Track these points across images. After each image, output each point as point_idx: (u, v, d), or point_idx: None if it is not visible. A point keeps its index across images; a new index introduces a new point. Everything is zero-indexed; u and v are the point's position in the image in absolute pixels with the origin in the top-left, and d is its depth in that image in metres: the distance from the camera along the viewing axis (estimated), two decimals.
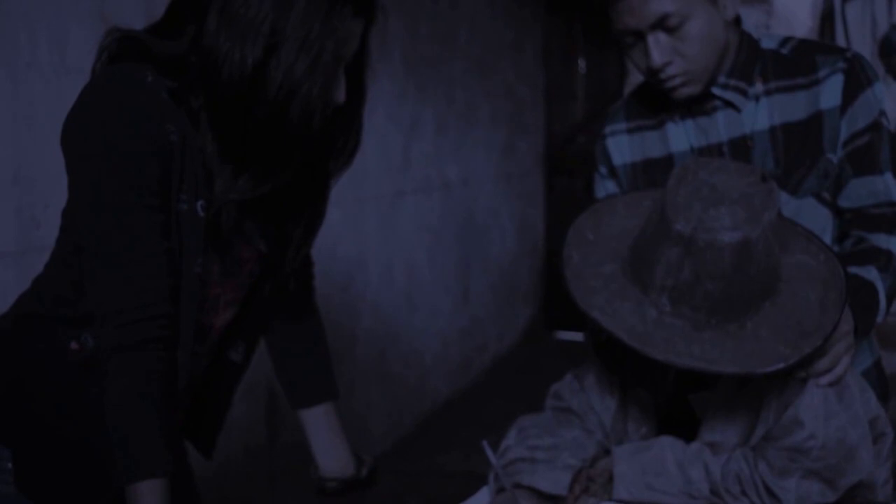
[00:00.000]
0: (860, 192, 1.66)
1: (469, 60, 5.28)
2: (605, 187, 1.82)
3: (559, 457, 1.56)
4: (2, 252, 2.23)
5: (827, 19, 5.04)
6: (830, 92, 1.64)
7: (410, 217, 4.56)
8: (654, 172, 1.75)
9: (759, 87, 1.67)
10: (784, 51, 1.69)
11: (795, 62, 1.67)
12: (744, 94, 1.67)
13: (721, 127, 1.70)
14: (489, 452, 1.58)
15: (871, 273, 1.58)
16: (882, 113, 1.66)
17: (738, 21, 1.69)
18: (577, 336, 5.39)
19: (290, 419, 3.54)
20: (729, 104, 1.68)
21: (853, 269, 1.57)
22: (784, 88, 1.67)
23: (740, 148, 1.68)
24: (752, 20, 2.96)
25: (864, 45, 5.06)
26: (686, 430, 1.55)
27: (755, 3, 2.82)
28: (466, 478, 1.92)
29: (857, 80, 1.64)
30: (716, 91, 1.67)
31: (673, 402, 1.60)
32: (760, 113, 1.67)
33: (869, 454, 1.45)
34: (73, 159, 1.37)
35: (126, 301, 1.33)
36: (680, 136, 1.73)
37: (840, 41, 5.11)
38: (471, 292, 5.38)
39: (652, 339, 1.36)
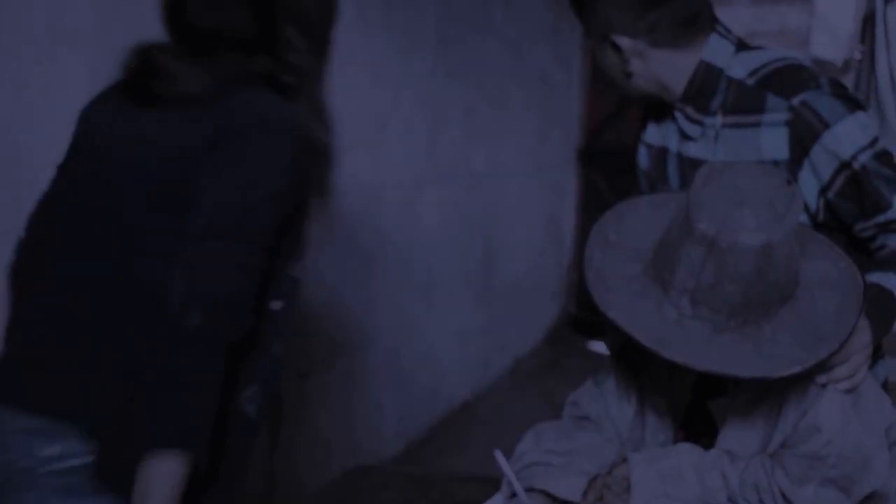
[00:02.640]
0: (873, 224, 1.70)
1: (503, 42, 5.24)
2: (640, 152, 1.95)
3: (575, 462, 1.59)
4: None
5: (868, 21, 4.97)
6: (772, 143, 1.68)
7: (433, 207, 4.54)
8: (661, 160, 1.87)
9: (718, 119, 1.73)
10: (750, 81, 1.71)
11: (751, 96, 1.70)
12: (699, 123, 1.74)
13: (691, 146, 1.78)
14: (502, 461, 1.62)
15: (890, 280, 1.63)
16: (858, 151, 1.66)
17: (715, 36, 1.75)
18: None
19: (295, 420, 3.45)
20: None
21: (873, 275, 1.62)
22: (734, 125, 1.72)
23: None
24: (793, 21, 2.86)
25: None
26: (704, 437, 1.58)
27: (796, 3, 2.74)
28: (481, 483, 1.95)
29: (805, 132, 1.66)
30: (676, 114, 1.78)
31: (691, 409, 1.63)
32: (718, 146, 1.74)
33: (884, 463, 1.49)
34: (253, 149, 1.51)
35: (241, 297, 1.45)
36: (672, 134, 1.82)
37: (880, 44, 5.04)
38: (493, 289, 5.36)
39: (670, 342, 1.40)
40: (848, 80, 4.55)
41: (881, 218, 1.68)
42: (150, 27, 2.55)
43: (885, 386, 1.77)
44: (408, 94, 4.14)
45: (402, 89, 4.08)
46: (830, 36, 4.38)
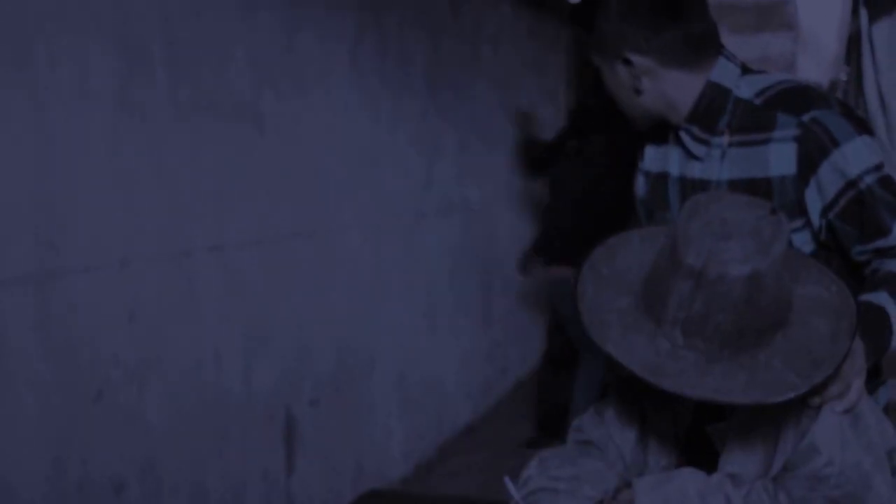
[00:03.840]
0: (872, 248, 1.68)
1: (492, 80, 5.30)
2: (637, 181, 1.95)
3: (581, 488, 1.57)
4: (21, 276, 2.24)
5: (854, 42, 5.00)
6: (781, 158, 1.65)
7: (431, 238, 4.58)
8: (661, 186, 1.85)
9: (725, 138, 1.71)
10: (757, 101, 1.70)
11: (760, 115, 1.68)
12: (705, 143, 1.73)
13: (696, 167, 1.77)
14: (511, 488, 1.59)
15: (881, 297, 1.60)
16: (864, 172, 1.64)
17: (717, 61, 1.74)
18: None
19: (308, 445, 3.54)
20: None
21: (865, 296, 1.59)
22: (742, 143, 1.70)
23: (706, 189, 1.75)
24: (777, 47, 2.93)
25: (891, 66, 5.00)
26: (706, 461, 1.56)
27: (782, 30, 2.83)
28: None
29: (814, 148, 1.63)
30: (681, 134, 1.76)
31: (691, 433, 1.61)
32: (724, 165, 1.72)
33: (886, 483, 1.46)
34: None
35: None
36: (673, 159, 1.81)
37: (867, 64, 5.06)
38: (492, 314, 5.39)
39: (665, 372, 1.38)
40: None
41: (880, 243, 1.65)
42: (163, 91, 2.68)
43: (887, 409, 1.74)
44: (404, 134, 4.18)
45: (398, 130, 4.11)
46: (815, 59, 4.42)
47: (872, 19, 5.03)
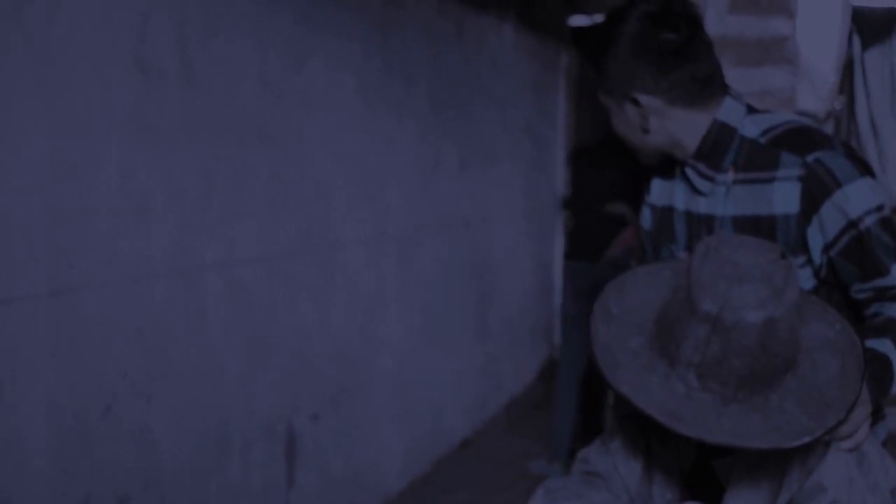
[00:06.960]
0: (871, 287, 1.69)
1: (491, 99, 5.32)
2: (644, 214, 1.97)
3: None
4: (36, 291, 2.25)
5: (847, 69, 5.04)
6: (784, 197, 1.67)
7: (430, 254, 4.59)
8: (667, 219, 1.88)
9: (730, 175, 1.73)
10: (762, 140, 1.72)
11: (765, 154, 1.70)
12: (710, 179, 1.75)
13: (701, 202, 1.79)
14: None
15: (885, 345, 1.61)
16: (865, 213, 1.65)
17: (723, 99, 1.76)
18: None
19: (308, 459, 3.55)
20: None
21: (868, 342, 1.59)
22: (746, 181, 1.72)
23: (711, 224, 1.78)
24: (777, 81, 2.96)
25: (882, 91, 5.04)
26: (711, 495, 1.56)
27: (783, 64, 2.87)
28: None
29: (817, 189, 1.65)
30: (687, 170, 1.78)
31: (696, 468, 1.61)
32: (728, 201, 1.74)
33: None
34: None
35: None
36: (679, 193, 1.83)
37: (859, 90, 5.10)
38: (487, 330, 5.40)
39: (682, 415, 1.39)
40: (827, 129, 4.65)
41: (879, 282, 1.66)
42: (176, 110, 2.69)
43: (887, 442, 1.76)
44: (405, 151, 4.20)
45: (399, 147, 4.14)
46: (814, 90, 4.46)
47: (865, 46, 5.07)
